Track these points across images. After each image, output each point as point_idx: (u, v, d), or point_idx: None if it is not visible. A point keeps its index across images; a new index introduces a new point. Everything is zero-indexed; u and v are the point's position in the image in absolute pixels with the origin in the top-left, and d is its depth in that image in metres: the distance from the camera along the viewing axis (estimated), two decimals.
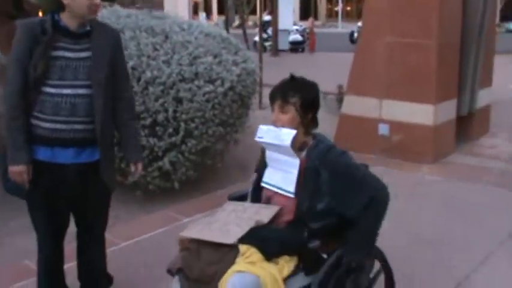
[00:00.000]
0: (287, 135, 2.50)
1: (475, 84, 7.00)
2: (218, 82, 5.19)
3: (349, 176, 2.45)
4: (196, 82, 5.08)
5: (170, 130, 5.02)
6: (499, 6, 45.56)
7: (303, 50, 22.14)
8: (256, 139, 2.62)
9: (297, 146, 2.54)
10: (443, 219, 4.75)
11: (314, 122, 2.63)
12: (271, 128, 2.57)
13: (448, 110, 6.52)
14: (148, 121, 4.92)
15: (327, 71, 14.89)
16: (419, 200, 5.22)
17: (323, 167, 2.47)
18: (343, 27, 39.40)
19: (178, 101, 5.01)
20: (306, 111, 2.56)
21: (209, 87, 5.11)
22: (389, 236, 2.94)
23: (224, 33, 6.07)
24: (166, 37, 5.45)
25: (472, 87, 6.96)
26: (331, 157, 2.50)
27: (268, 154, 2.68)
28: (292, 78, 2.65)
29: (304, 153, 2.54)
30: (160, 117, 4.95)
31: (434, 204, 5.11)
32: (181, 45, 5.35)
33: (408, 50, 6.24)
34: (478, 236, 4.42)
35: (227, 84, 5.23)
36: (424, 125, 6.19)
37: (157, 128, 4.98)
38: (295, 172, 2.52)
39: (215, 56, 5.41)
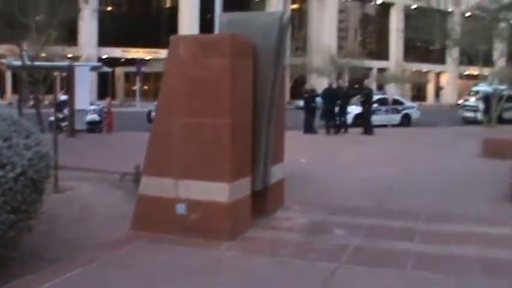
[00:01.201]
0: None
1: (268, 160, 7.51)
2: (8, 167, 5.10)
3: None
4: None
5: None
6: (288, 85, 49.21)
7: (100, 130, 22.08)
8: None
9: None
10: None
11: None
12: None
13: (243, 186, 6.93)
14: None
15: (125, 151, 15.03)
16: (220, 277, 5.45)
17: None
18: (141, 106, 39.84)
19: None
20: None
21: None
22: None
23: (15, 115, 5.99)
24: None
25: (265, 163, 7.46)
26: None
27: None
28: None
29: None
30: None
31: (234, 281, 5.37)
32: None
33: (202, 130, 6.61)
34: None
35: (18, 169, 5.16)
36: (220, 202, 6.52)
37: None
38: None
39: (5, 140, 5.32)
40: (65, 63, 24.91)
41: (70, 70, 20.64)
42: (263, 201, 7.73)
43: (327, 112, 22.72)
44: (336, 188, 10.64)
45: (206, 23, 51.74)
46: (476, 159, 15.00)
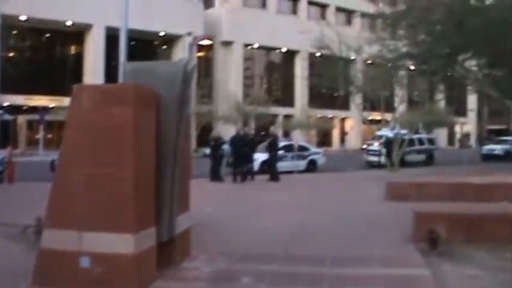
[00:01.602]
0: None
1: (173, 210, 7.50)
2: None
3: None
4: None
5: None
6: (194, 133, 49.39)
7: (1, 181, 21.31)
8: None
9: None
10: None
11: None
12: None
13: (148, 237, 6.89)
14: None
15: (27, 202, 14.59)
16: None
17: None
18: (44, 155, 38.82)
19: None
20: None
21: None
22: None
23: None
24: None
25: (171, 213, 7.44)
26: None
27: None
28: None
29: None
30: None
31: None
32: None
33: (105, 180, 6.55)
34: None
35: None
36: (125, 254, 6.45)
37: None
38: None
39: None
40: None
41: None
42: (169, 251, 7.69)
43: (235, 159, 22.87)
44: (243, 236, 10.69)
45: (111, 70, 51.51)
46: (380, 203, 15.44)
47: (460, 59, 27.04)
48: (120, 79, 8.56)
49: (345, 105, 68.73)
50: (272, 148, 24.05)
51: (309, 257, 8.82)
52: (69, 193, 6.71)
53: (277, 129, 52.49)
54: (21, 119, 51.52)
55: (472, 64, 28.90)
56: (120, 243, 6.47)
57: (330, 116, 70.75)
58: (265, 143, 25.98)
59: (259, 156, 25.43)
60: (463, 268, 8.12)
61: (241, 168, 22.75)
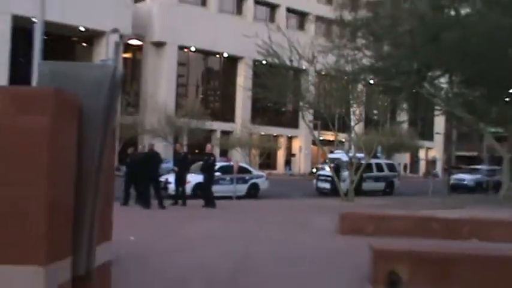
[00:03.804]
0: None
1: (93, 238, 7.40)
2: None
3: None
4: None
5: None
6: (117, 148, 48.78)
7: None
8: None
9: None
10: None
11: None
12: None
13: (63, 270, 6.76)
14: None
15: None
16: None
17: None
18: None
19: None
20: None
21: None
22: None
23: None
24: None
25: (90, 241, 7.34)
26: None
27: None
28: None
29: None
30: None
31: None
32: None
33: (13, 202, 6.39)
34: None
35: None
36: None
37: None
38: None
39: None
40: None
41: None
42: (87, 286, 7.56)
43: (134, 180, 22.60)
44: (172, 272, 10.63)
45: (18, 68, 50.59)
46: (333, 237, 15.63)
47: (430, 75, 27.65)
48: (35, 81, 8.42)
49: (293, 122, 69.61)
50: (208, 169, 23.89)
51: None
52: None
53: (215, 148, 52.70)
54: None
55: (441, 82, 29.61)
56: (30, 278, 6.33)
57: (275, 134, 71.17)
58: (200, 163, 25.87)
59: (194, 178, 25.32)
60: None
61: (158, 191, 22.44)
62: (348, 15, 31.03)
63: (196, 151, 44.25)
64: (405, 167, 78.39)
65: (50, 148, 6.49)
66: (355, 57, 29.37)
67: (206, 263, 11.64)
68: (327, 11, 45.06)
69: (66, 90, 6.98)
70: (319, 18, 70.06)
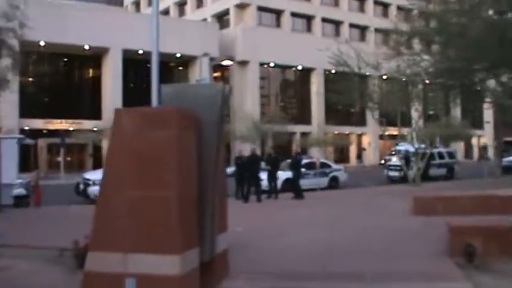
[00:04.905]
0: None
1: (214, 230, 7.53)
2: None
3: None
4: None
5: None
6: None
7: (27, 205, 21.42)
8: None
9: None
10: None
11: None
12: None
13: (192, 258, 6.92)
14: None
15: (57, 225, 14.67)
16: None
17: None
18: (66, 178, 39.04)
19: None
20: None
21: None
22: None
23: None
24: None
25: (212, 233, 7.48)
26: None
27: None
28: None
29: None
30: None
31: None
32: None
33: (149, 203, 6.60)
34: None
35: None
36: (171, 275, 6.46)
37: None
38: None
39: None
40: None
41: None
42: (210, 271, 7.70)
43: (254, 178, 22.68)
44: (276, 254, 10.67)
45: (129, 93, 51.90)
46: (408, 218, 15.39)
47: (494, 73, 27.22)
48: (154, 101, 8.62)
49: (361, 121, 68.84)
50: (296, 166, 24.01)
51: (347, 274, 8.81)
52: (113, 216, 6.76)
53: (295, 147, 52.71)
54: (41, 142, 51.86)
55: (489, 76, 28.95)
56: (166, 265, 6.50)
57: (347, 132, 70.61)
58: (288, 161, 25.97)
59: (282, 175, 25.34)
60: (501, 281, 8.10)
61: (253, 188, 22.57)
62: (404, 26, 30.56)
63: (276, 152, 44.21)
64: (461, 154, 76.65)
65: (178, 155, 6.65)
66: (414, 61, 28.86)
67: (302, 244, 11.67)
68: (383, 23, 44.64)
69: (186, 108, 7.14)
70: (378, 30, 69.33)
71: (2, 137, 21.80)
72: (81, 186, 24.07)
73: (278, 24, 69.15)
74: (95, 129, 51.33)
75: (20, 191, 21.08)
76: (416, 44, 32.32)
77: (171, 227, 6.54)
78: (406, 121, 34.29)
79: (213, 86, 9.44)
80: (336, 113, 63.51)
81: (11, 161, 20.20)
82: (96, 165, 47.99)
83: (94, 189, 22.66)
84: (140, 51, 50.40)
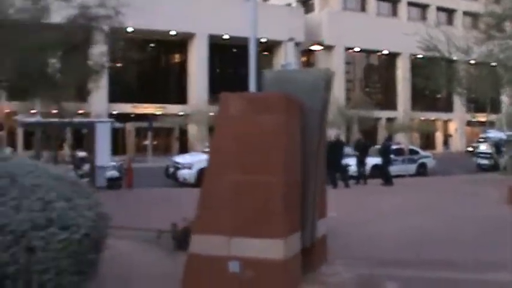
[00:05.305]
0: None
1: (315, 215, 7.53)
2: (73, 228, 5.12)
3: None
4: (50, 229, 4.96)
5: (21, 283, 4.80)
6: None
7: (119, 187, 22.04)
8: None
9: None
10: None
11: None
12: None
13: (295, 242, 6.93)
14: None
15: (152, 208, 14.99)
16: None
17: None
18: (153, 162, 39.98)
19: (30, 250, 4.84)
20: None
21: (64, 235, 5.01)
22: None
23: (72, 176, 6.06)
24: (13, 180, 5.30)
25: (313, 219, 7.47)
26: None
27: None
28: None
29: None
30: (11, 269, 4.73)
31: None
32: (32, 189, 5.23)
33: (255, 187, 6.64)
34: None
35: (82, 231, 5.17)
36: (275, 259, 6.50)
37: (7, 282, 4.75)
38: None
39: (67, 200, 5.35)
40: (86, 119, 25.10)
41: (91, 127, 20.91)
42: (310, 256, 7.70)
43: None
44: (367, 241, 10.59)
45: (215, 78, 52.47)
46: (504, 206, 14.92)
47: None
48: (252, 87, 8.67)
49: (447, 107, 67.19)
50: (385, 152, 23.71)
51: (445, 262, 8.64)
52: (218, 199, 6.83)
53: (383, 133, 52.00)
54: (129, 126, 53.18)
55: None
56: (271, 249, 6.53)
57: (433, 118, 69.09)
58: (377, 147, 25.69)
59: (371, 161, 25.02)
60: None
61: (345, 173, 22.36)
62: (495, 8, 29.47)
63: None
64: None
65: (285, 140, 6.66)
66: (508, 44, 27.80)
67: (395, 231, 11.52)
68: (472, 6, 43.26)
69: (290, 94, 7.13)
70: (466, 13, 67.32)
71: (97, 121, 22.50)
72: (171, 170, 24.54)
73: (363, 8, 68.13)
74: (180, 113, 52.25)
75: (113, 173, 21.68)
76: (509, 27, 31.15)
77: (275, 212, 6.56)
78: (496, 107, 33.24)
79: (315, 71, 9.38)
80: (422, 99, 62.26)
81: (105, 144, 20.83)
82: (182, 149, 48.94)
83: (183, 173, 23.13)
84: (226, 36, 50.83)
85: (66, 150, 34.02)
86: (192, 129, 51.48)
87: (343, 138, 43.97)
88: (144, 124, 46.99)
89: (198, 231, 7.00)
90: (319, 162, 7.58)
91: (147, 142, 48.16)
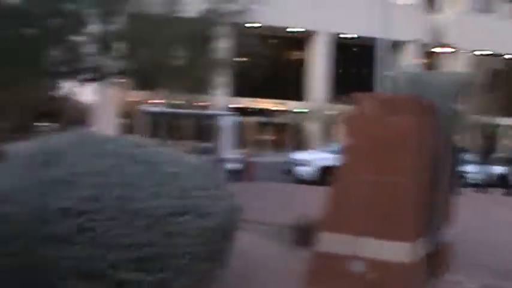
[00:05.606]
0: None
1: (440, 221, 7.39)
2: (209, 217, 5.29)
3: None
4: (186, 216, 5.15)
5: (159, 266, 5.01)
6: None
7: (240, 180, 22.34)
8: None
9: None
10: None
11: None
12: None
13: (421, 247, 6.82)
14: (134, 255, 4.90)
15: (272, 202, 15.07)
16: None
17: None
18: (272, 156, 40.26)
19: (168, 235, 5.04)
20: None
21: (200, 222, 5.19)
22: None
23: (208, 166, 6.25)
24: (153, 167, 5.51)
25: (438, 224, 7.33)
26: None
27: None
28: None
29: None
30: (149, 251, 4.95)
31: None
32: (171, 176, 5.43)
33: (386, 189, 6.57)
34: None
35: (217, 219, 5.34)
36: (401, 262, 6.44)
37: (144, 264, 4.97)
38: None
39: (204, 189, 5.53)
40: (210, 111, 25.68)
41: (216, 119, 21.41)
42: (433, 262, 7.55)
43: None
44: (488, 250, 10.07)
45: (336, 77, 52.14)
46: None
47: None
48: (378, 87, 8.60)
49: None
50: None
51: None
52: (348, 199, 6.83)
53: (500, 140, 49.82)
54: (248, 121, 53.85)
55: None
56: (398, 251, 6.46)
57: None
58: (498, 155, 24.73)
59: (495, 169, 23.98)
60: None
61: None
62: None
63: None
64: None
65: (417, 142, 6.58)
66: None
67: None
68: None
69: (423, 97, 7.04)
70: None
71: (221, 113, 23.01)
72: (288, 166, 24.66)
73: (487, 9, 65.27)
74: (298, 110, 52.35)
75: (236, 165, 21.99)
76: None
77: (405, 214, 6.49)
78: None
79: (450, 74, 9.21)
80: None
81: (228, 136, 21.26)
82: (299, 146, 49.04)
83: (300, 169, 23.19)
84: (349, 35, 50.49)
85: (189, 141, 34.89)
86: (310, 127, 51.46)
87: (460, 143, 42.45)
88: (262, 119, 47.39)
89: (326, 228, 7.01)
90: (446, 167, 7.42)
91: (264, 137, 48.55)
